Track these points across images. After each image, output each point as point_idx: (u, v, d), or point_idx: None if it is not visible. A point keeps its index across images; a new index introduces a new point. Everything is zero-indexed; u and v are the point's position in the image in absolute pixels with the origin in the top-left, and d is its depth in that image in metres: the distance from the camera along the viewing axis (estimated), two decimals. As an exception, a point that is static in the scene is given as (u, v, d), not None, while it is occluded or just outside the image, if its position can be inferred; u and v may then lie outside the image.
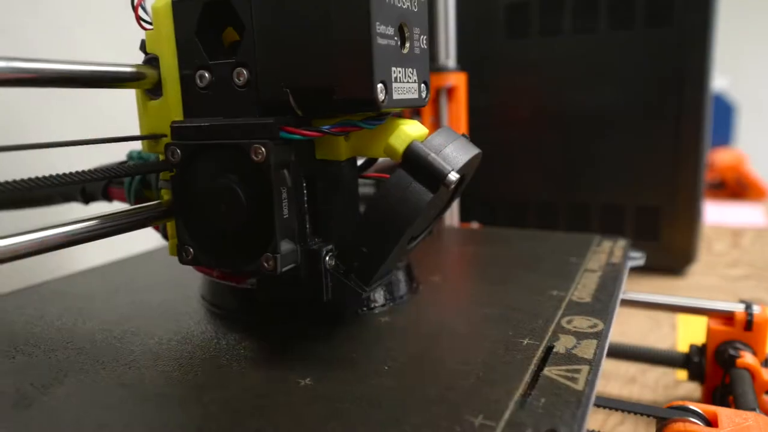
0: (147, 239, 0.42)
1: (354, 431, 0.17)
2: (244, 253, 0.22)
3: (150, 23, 0.23)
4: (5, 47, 0.43)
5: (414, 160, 0.21)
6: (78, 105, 0.49)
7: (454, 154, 0.22)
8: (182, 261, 0.23)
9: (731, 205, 0.98)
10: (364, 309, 0.27)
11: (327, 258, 0.22)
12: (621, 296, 0.30)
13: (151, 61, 0.23)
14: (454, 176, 0.21)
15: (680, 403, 0.25)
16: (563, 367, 0.21)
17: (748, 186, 1.04)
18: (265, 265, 0.21)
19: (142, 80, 0.23)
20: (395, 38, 0.20)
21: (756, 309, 0.32)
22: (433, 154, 0.21)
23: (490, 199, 0.62)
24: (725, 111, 1.30)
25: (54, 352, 0.24)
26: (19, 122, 0.46)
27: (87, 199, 0.32)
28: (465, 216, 0.57)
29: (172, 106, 0.23)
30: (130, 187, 0.29)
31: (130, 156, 0.30)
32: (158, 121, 0.24)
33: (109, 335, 0.26)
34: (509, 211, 0.61)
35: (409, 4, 0.21)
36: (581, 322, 0.25)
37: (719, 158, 1.04)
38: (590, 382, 0.19)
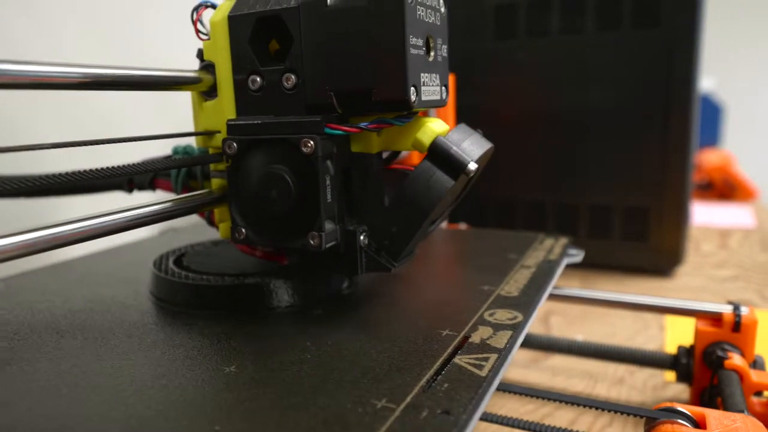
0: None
1: (267, 412, 0.19)
2: (291, 233, 0.25)
3: (206, 35, 0.27)
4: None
5: (439, 153, 0.25)
6: (69, 107, 0.51)
7: (472, 148, 0.25)
8: (235, 241, 0.27)
9: (719, 206, 0.99)
10: (300, 303, 0.28)
11: (361, 237, 0.26)
12: (550, 291, 0.31)
13: (207, 67, 0.27)
14: (473, 166, 0.24)
15: (668, 404, 0.25)
16: (473, 356, 0.22)
17: (735, 187, 1.05)
18: (311, 242, 0.25)
19: (200, 84, 0.27)
20: (423, 48, 0.24)
21: (744, 310, 0.32)
22: (455, 147, 0.24)
23: (479, 200, 0.62)
24: (713, 112, 1.33)
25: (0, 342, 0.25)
26: (11, 124, 0.47)
27: (132, 188, 0.35)
28: (453, 217, 0.56)
29: (226, 106, 0.27)
30: (178, 178, 0.32)
31: (176, 151, 0.33)
32: (213, 119, 0.27)
33: (56, 327, 0.27)
34: (497, 211, 0.62)
35: (433, 18, 0.25)
36: (502, 315, 0.26)
37: (707, 159, 1.06)
38: (495, 369, 0.21)
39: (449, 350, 0.22)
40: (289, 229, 0.25)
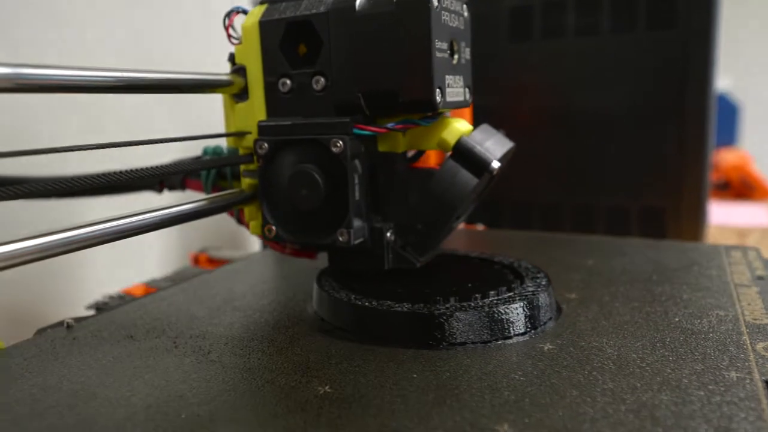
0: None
1: None
2: (320, 230, 0.26)
3: (238, 39, 0.28)
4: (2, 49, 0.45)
5: (463, 152, 0.25)
6: (84, 108, 0.52)
7: (495, 147, 0.26)
8: (266, 239, 0.28)
9: (736, 206, 0.99)
10: (516, 335, 0.25)
11: (388, 234, 0.27)
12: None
13: (239, 70, 0.28)
14: (496, 164, 0.25)
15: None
16: None
17: (753, 186, 1.05)
18: (340, 238, 0.26)
19: (231, 86, 0.28)
20: (448, 51, 0.25)
21: None
22: (478, 146, 0.25)
23: (494, 201, 0.62)
24: (729, 111, 1.32)
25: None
26: (28, 126, 0.48)
27: (162, 189, 0.37)
28: (469, 218, 0.55)
29: (256, 108, 0.28)
30: (208, 178, 0.33)
31: (205, 151, 0.34)
32: (244, 120, 0.28)
33: (245, 375, 0.23)
34: (513, 212, 0.62)
35: (457, 23, 0.26)
36: None
37: (724, 158, 1.06)
38: None
39: (764, 401, 0.19)
40: (319, 226, 0.26)
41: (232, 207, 0.29)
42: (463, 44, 0.27)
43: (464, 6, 0.27)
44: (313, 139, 0.25)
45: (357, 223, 0.26)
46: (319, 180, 0.25)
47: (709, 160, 0.54)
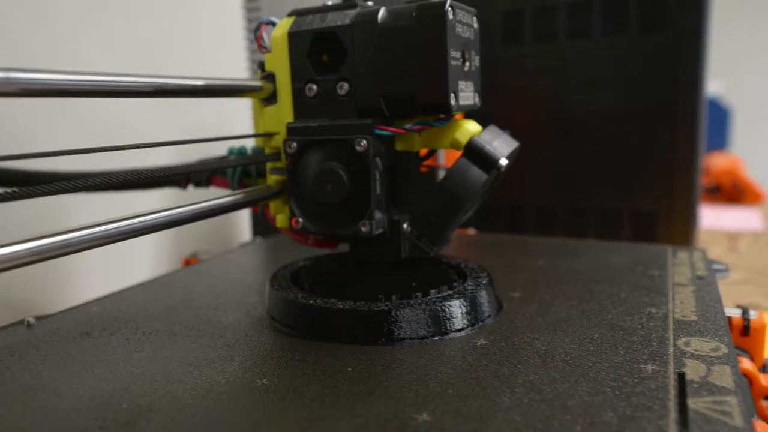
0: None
1: None
2: (344, 221, 0.29)
3: (267, 48, 0.31)
4: (6, 56, 0.46)
5: (474, 150, 0.28)
6: (76, 112, 0.52)
7: (502, 146, 0.29)
8: (294, 230, 0.30)
9: (728, 210, 1.01)
10: (453, 331, 0.27)
11: (404, 225, 0.30)
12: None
13: (268, 77, 0.31)
14: (504, 161, 0.28)
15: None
16: (708, 399, 0.19)
17: (744, 190, 1.07)
18: (362, 229, 0.28)
19: (261, 91, 0.31)
20: (460, 59, 0.28)
21: (753, 314, 0.31)
22: (487, 146, 0.28)
23: (486, 205, 0.60)
24: (721, 115, 1.35)
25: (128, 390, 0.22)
26: (19, 130, 0.48)
27: (187, 185, 0.39)
28: (463, 222, 0.58)
29: (284, 111, 0.30)
30: (234, 176, 0.36)
31: (231, 151, 0.37)
32: (272, 122, 0.31)
33: (190, 369, 0.24)
34: (505, 216, 0.61)
35: (469, 34, 0.29)
36: (700, 345, 0.24)
37: (715, 162, 1.08)
38: (746, 417, 0.18)
39: (673, 392, 0.20)
40: (342, 218, 0.29)
41: (260, 202, 0.32)
42: (473, 53, 0.29)
43: (474, 18, 0.30)
44: (338, 139, 0.28)
45: (378, 215, 0.28)
46: (343, 176, 0.28)
47: (699, 163, 0.55)
